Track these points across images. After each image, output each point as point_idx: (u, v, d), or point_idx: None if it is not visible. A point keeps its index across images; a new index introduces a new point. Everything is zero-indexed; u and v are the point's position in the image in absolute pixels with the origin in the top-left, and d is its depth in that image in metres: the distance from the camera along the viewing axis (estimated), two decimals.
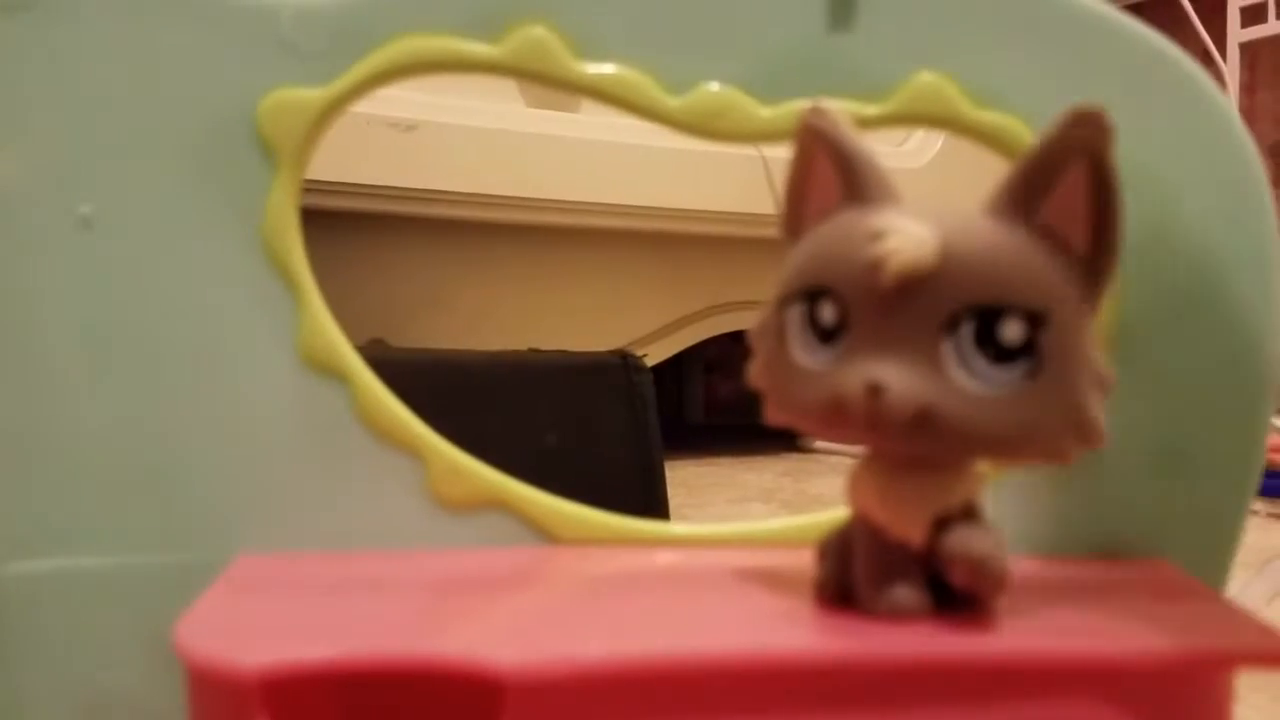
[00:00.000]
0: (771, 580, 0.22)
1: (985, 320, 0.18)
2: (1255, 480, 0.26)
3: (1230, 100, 0.25)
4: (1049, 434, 0.18)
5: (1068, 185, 0.18)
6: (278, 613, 0.19)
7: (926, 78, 0.24)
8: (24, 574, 0.23)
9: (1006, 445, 0.18)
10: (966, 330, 0.18)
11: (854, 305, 0.18)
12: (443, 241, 0.80)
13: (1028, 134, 0.24)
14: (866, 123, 0.24)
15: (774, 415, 0.19)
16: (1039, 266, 0.18)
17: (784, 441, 0.97)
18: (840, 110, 0.19)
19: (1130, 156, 0.19)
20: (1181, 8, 1.17)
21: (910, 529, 0.18)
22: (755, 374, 0.20)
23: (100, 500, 0.24)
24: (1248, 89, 1.22)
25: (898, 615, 0.18)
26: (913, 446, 0.18)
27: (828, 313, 0.18)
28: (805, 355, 0.19)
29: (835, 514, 0.26)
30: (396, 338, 0.71)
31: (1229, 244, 0.20)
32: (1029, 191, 0.18)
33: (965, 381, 0.17)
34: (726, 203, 0.88)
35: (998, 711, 0.18)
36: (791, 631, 0.19)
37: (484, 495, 0.24)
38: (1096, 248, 0.18)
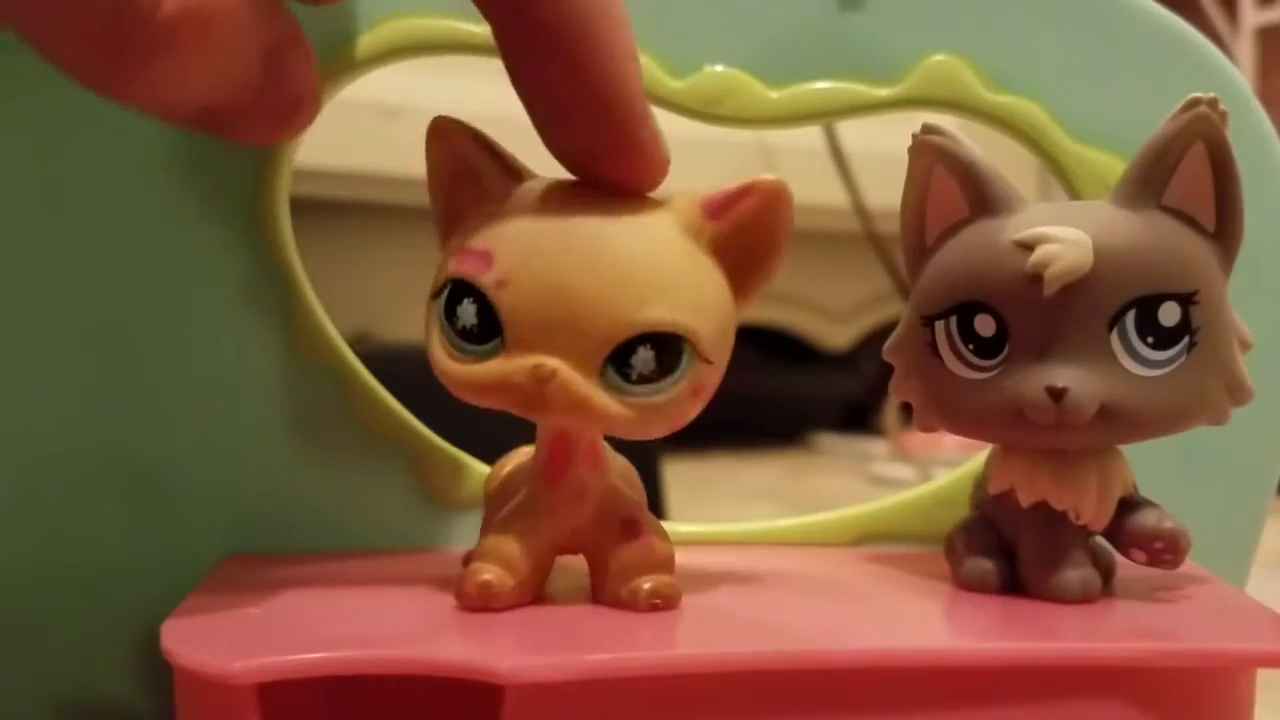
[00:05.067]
0: (777, 579, 0.22)
1: (1144, 309, 0.19)
2: (1275, 478, 0.25)
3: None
4: (1211, 400, 0.19)
5: (1189, 167, 0.19)
6: (267, 614, 0.19)
7: (939, 59, 0.23)
8: (6, 571, 0.23)
9: (1178, 420, 0.19)
10: (1129, 322, 0.19)
11: (1012, 314, 0.19)
12: (428, 230, 0.79)
13: (1043, 116, 0.24)
14: (877, 106, 0.24)
15: (930, 425, 0.21)
16: (1183, 249, 0.19)
17: (784, 438, 0.97)
18: (952, 127, 0.20)
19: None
20: None
21: (1101, 513, 0.20)
22: (903, 388, 0.21)
23: (85, 496, 0.23)
24: (1261, 74, 1.20)
25: (1081, 597, 0.19)
26: (1095, 440, 0.19)
27: (985, 325, 0.19)
28: (966, 368, 0.20)
29: (841, 513, 0.25)
30: (380, 331, 0.71)
31: (1247, 226, 0.20)
32: (1154, 178, 0.19)
33: (1135, 369, 0.19)
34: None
35: (1015, 711, 0.17)
36: (802, 634, 0.18)
37: (478, 491, 0.23)
38: (1223, 221, 0.19)
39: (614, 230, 0.17)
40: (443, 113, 0.19)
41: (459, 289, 0.18)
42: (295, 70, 0.18)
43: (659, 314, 0.17)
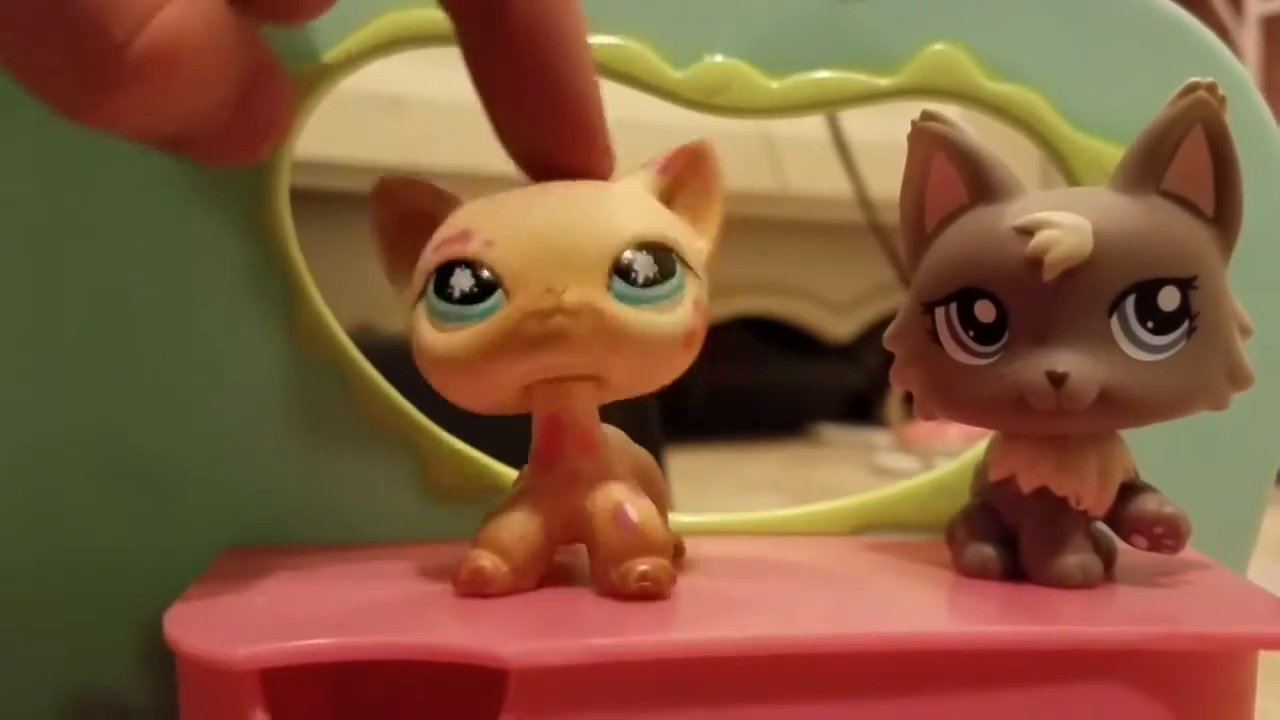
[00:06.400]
0: (778, 567, 0.22)
1: (1144, 294, 0.19)
2: (1276, 463, 0.25)
3: (1250, 75, 0.25)
4: (1211, 385, 0.19)
5: (1188, 152, 0.19)
6: (269, 603, 0.19)
7: (939, 48, 0.23)
8: (9, 564, 0.23)
9: (1178, 405, 0.19)
10: (1129, 307, 0.19)
11: (1012, 300, 0.19)
12: None
13: (1043, 105, 0.23)
14: (877, 95, 0.24)
15: (930, 414, 0.21)
16: (1182, 234, 0.19)
17: (786, 429, 0.96)
18: (949, 114, 0.20)
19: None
20: None
21: (1101, 499, 0.20)
22: (904, 377, 0.21)
23: (87, 489, 0.23)
24: (1266, 63, 1.19)
25: (1083, 582, 0.19)
26: (1095, 425, 0.19)
27: (985, 311, 0.19)
28: (966, 354, 0.20)
29: (841, 502, 0.25)
30: (382, 323, 0.71)
31: (1248, 217, 0.20)
32: (1153, 163, 0.19)
33: (1135, 354, 0.19)
34: (727, 182, 0.87)
35: (1017, 695, 0.17)
36: (802, 619, 0.18)
37: (480, 484, 0.23)
38: (1222, 206, 0.19)
39: (584, 185, 0.19)
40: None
41: (446, 269, 0.18)
42: (267, 97, 0.18)
43: (644, 227, 0.18)
